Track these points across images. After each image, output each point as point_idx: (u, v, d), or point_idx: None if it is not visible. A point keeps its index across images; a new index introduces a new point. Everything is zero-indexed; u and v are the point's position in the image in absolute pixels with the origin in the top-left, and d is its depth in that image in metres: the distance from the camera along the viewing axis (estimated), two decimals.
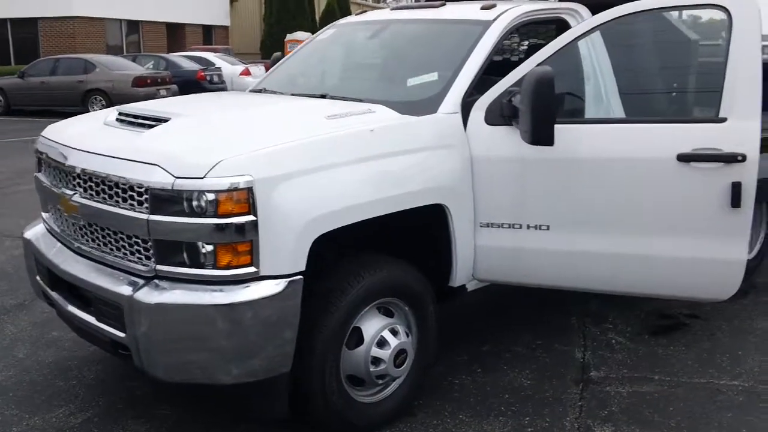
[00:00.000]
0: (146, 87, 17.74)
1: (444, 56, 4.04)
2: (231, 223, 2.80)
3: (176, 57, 22.95)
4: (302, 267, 2.95)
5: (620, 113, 3.83)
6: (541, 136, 3.22)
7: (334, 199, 3.05)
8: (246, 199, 2.81)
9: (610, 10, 3.53)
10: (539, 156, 3.51)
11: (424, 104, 3.68)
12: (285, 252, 2.90)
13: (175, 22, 33.95)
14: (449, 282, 3.73)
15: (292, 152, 3.01)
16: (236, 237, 2.81)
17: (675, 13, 4.22)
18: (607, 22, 3.53)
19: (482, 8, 4.20)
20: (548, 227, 3.62)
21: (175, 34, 34.13)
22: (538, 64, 3.53)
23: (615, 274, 3.62)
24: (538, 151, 3.46)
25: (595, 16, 3.63)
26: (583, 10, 4.31)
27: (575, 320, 4.86)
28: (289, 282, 2.91)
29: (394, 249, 3.58)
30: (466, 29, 4.06)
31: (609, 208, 3.53)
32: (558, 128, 3.44)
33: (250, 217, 2.82)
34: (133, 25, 31.82)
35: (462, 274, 3.73)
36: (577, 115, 3.69)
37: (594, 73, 3.74)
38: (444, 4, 4.55)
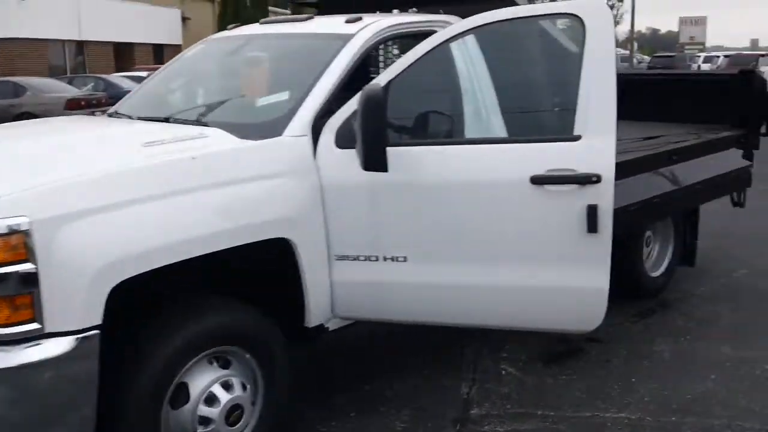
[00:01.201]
0: (80, 109, 17.23)
1: (298, 73, 3.74)
2: (4, 273, 2.45)
3: (117, 77, 22.47)
4: (97, 320, 2.60)
5: (501, 131, 3.53)
6: (373, 161, 2.94)
7: (138, 240, 2.70)
8: (22, 244, 2.46)
9: (456, 24, 3.28)
10: (390, 181, 3.22)
11: (269, 126, 3.37)
12: (75, 304, 2.55)
13: (123, 42, 33.39)
14: (304, 322, 3.41)
15: (82, 187, 2.67)
16: (12, 289, 2.46)
17: (557, 24, 3.96)
18: (455, 36, 3.27)
19: (346, 21, 3.92)
20: (405, 258, 3.33)
21: (124, 54, 33.55)
22: (387, 82, 3.26)
23: (473, 306, 3.34)
24: (388, 177, 3.19)
25: (443, 30, 3.36)
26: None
27: (470, 350, 4.58)
28: (81, 339, 2.56)
29: (237, 289, 3.26)
30: (325, 44, 3.77)
31: (464, 236, 3.26)
32: (405, 151, 3.19)
33: (28, 266, 2.47)
34: (78, 46, 31.21)
35: (317, 312, 3.42)
36: (441, 135, 3.40)
37: (464, 87, 3.45)
38: (312, 17, 4.26)
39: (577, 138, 3.08)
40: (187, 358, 2.93)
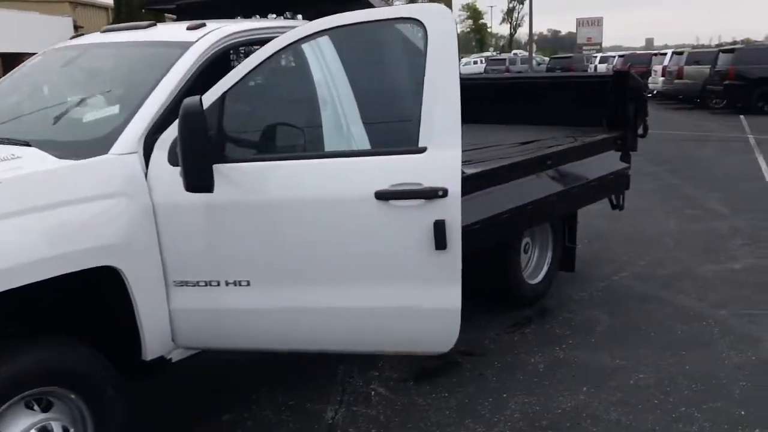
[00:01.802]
0: None
1: (132, 85, 3.46)
2: None
3: None
4: None
5: (351, 143, 3.32)
6: (195, 180, 2.69)
7: None
8: None
9: (292, 31, 3.07)
10: (226, 201, 2.99)
11: (94, 144, 3.07)
12: None
13: (12, 52, 31.79)
14: (141, 355, 3.12)
15: None
16: None
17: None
18: (293, 43, 3.06)
19: (188, 28, 3.64)
20: (248, 283, 3.09)
21: (13, 64, 31.88)
22: (222, 93, 3.02)
23: (321, 331, 3.13)
24: (224, 196, 2.95)
25: (278, 38, 3.13)
26: None
27: (343, 369, 4.36)
28: None
29: (66, 323, 2.96)
30: (163, 53, 3.49)
31: (309, 257, 3.04)
32: (242, 167, 2.96)
33: None
34: None
35: (155, 345, 3.14)
36: (288, 149, 3.16)
37: (313, 96, 3.22)
38: (155, 25, 3.96)
39: (423, 150, 2.91)
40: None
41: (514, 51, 65.32)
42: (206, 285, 3.11)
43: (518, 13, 70.58)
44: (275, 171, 3.01)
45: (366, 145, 3.12)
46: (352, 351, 3.29)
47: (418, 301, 3.00)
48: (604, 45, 50.05)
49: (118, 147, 3.06)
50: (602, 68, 33.51)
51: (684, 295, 5.50)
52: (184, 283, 3.12)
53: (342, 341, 3.16)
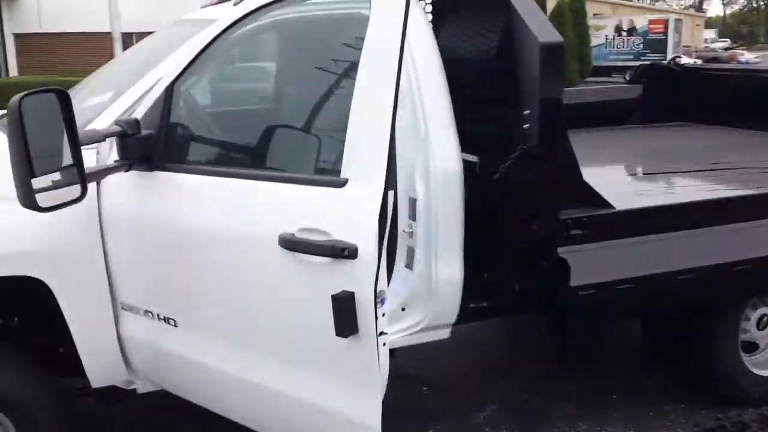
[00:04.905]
0: None
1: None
2: None
3: None
4: None
5: (279, 156, 2.51)
6: (19, 194, 2.09)
7: None
8: None
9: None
10: (150, 216, 2.41)
11: None
12: None
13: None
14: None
15: None
16: None
17: None
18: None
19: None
20: (175, 323, 2.46)
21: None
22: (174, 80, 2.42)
23: (233, 400, 2.37)
24: (150, 210, 2.37)
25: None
26: None
27: None
28: None
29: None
30: None
31: (220, 304, 2.30)
32: (171, 177, 2.37)
33: None
34: None
35: (100, 372, 2.69)
36: (225, 161, 2.44)
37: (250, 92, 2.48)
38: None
39: (343, 183, 1.95)
40: None
41: None
42: (145, 315, 2.56)
43: None
44: (195, 188, 2.31)
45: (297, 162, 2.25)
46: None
47: (331, 401, 2.07)
48: None
49: None
50: None
51: None
52: (130, 308, 2.60)
53: (245, 417, 2.37)
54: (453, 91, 2.84)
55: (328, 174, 2.01)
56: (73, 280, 2.53)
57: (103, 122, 2.63)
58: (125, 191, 2.51)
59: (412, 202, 2.95)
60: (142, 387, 2.81)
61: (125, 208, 2.50)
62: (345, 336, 1.90)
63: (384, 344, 1.97)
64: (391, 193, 1.87)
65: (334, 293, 1.89)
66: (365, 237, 1.85)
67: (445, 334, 3.13)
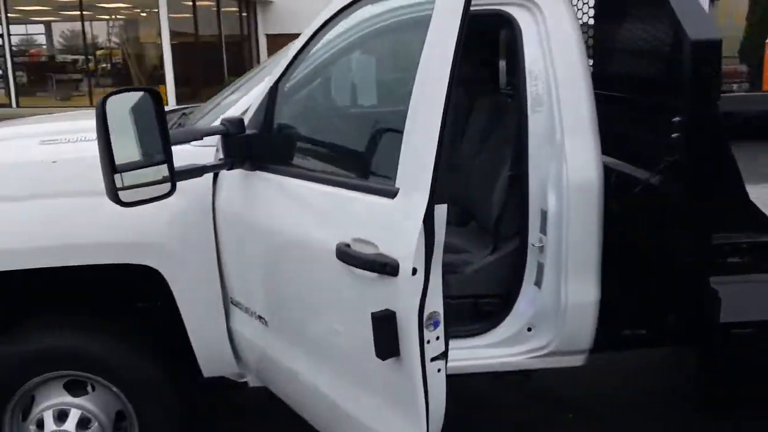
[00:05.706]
0: None
1: None
2: None
3: None
4: None
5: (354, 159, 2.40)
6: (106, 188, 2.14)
7: None
8: None
9: None
10: (247, 215, 2.42)
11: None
12: None
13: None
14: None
15: None
16: None
17: None
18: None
19: None
20: (266, 322, 2.45)
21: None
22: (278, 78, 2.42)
23: (322, 416, 2.29)
24: (246, 210, 2.40)
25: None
26: None
27: None
28: None
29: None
30: None
31: (301, 311, 2.23)
32: (266, 177, 2.38)
33: None
34: None
35: (211, 364, 2.76)
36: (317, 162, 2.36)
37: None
38: None
39: (394, 193, 1.79)
40: (31, 373, 2.66)
41: None
42: (246, 311, 2.59)
43: None
44: (280, 189, 2.27)
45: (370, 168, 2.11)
46: None
47: (371, 421, 1.92)
48: None
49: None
50: None
51: None
52: (237, 304, 2.65)
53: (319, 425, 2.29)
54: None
55: (386, 181, 1.87)
56: (185, 271, 2.61)
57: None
58: (234, 189, 2.54)
59: (543, 215, 2.72)
60: (252, 381, 2.85)
61: (232, 205, 2.54)
62: (383, 359, 1.75)
63: (439, 370, 1.79)
64: (441, 207, 1.69)
65: (374, 311, 1.74)
66: (406, 253, 1.69)
67: (578, 360, 2.86)
